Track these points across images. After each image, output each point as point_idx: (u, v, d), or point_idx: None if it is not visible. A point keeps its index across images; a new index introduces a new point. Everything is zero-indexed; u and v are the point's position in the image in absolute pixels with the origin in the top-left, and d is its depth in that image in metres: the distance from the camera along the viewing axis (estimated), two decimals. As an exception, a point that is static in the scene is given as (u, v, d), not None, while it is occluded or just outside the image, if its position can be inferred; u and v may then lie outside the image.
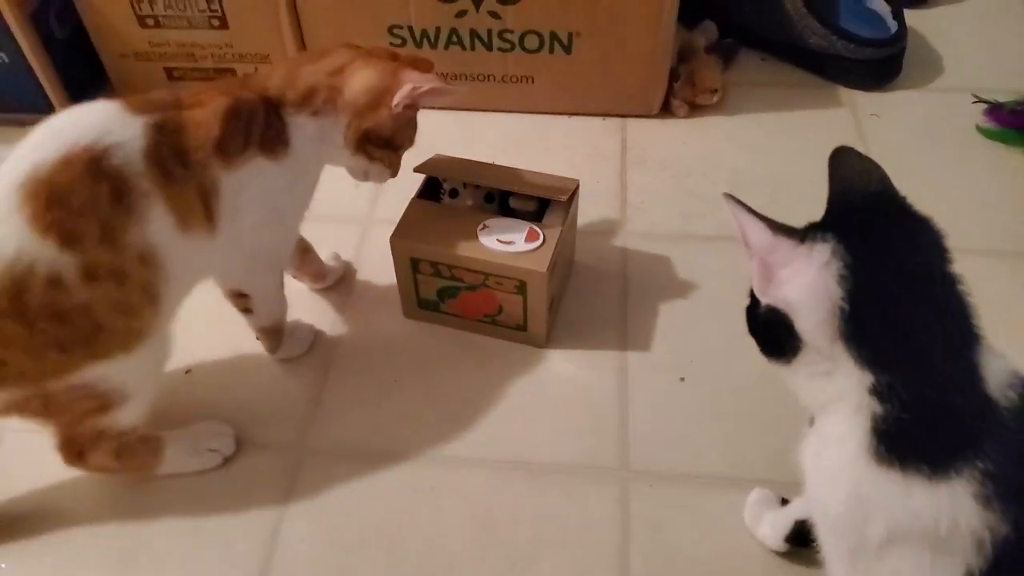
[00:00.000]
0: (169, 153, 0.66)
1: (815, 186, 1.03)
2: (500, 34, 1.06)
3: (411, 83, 0.73)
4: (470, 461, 0.80)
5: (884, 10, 1.17)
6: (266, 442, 0.82)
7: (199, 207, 0.69)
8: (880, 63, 1.15)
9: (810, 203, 1.04)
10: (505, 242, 0.82)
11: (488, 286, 0.84)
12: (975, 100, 1.13)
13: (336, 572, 0.73)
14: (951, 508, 0.45)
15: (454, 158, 0.92)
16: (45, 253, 0.61)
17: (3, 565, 0.73)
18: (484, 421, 0.83)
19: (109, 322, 0.65)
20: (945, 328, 0.47)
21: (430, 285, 0.87)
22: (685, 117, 1.14)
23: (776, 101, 1.16)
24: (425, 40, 1.07)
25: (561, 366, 0.87)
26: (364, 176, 0.81)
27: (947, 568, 0.46)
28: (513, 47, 1.07)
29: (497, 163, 0.94)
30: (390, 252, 0.86)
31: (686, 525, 0.75)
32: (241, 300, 0.82)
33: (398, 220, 0.86)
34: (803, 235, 0.50)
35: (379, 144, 0.77)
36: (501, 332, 0.89)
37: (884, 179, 0.53)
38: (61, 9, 1.11)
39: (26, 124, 1.10)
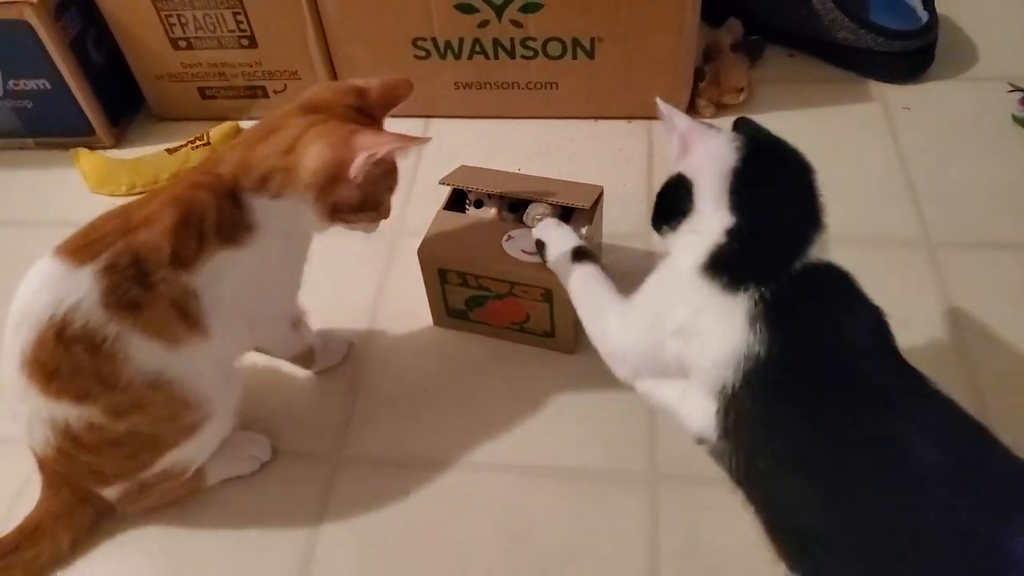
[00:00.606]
0: (128, 287, 0.65)
1: (846, 183, 1.03)
2: (523, 42, 1.06)
3: (365, 151, 0.67)
4: (501, 467, 0.81)
5: (914, 1, 1.14)
6: (301, 451, 0.84)
7: (178, 320, 0.68)
8: (911, 55, 1.13)
9: (842, 200, 1.02)
10: (530, 252, 0.83)
11: (515, 295, 0.85)
12: (1011, 89, 1.10)
13: (371, 579, 0.75)
14: (727, 314, 0.60)
15: (479, 168, 0.93)
16: (69, 411, 0.67)
17: (57, 573, 0.76)
18: (514, 427, 0.84)
19: (159, 430, 0.71)
20: (795, 206, 0.64)
21: (458, 295, 0.88)
22: (712, 117, 1.13)
23: (804, 97, 1.14)
24: (449, 51, 1.09)
25: (589, 373, 0.87)
26: (354, 230, 0.76)
27: (711, 366, 0.60)
28: (536, 54, 1.08)
29: (523, 171, 0.94)
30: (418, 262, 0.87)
31: (717, 529, 0.74)
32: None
33: (425, 231, 0.87)
34: (717, 128, 0.68)
35: (354, 210, 0.72)
36: (530, 339, 0.90)
37: (765, 131, 0.71)
38: (98, 36, 1.15)
39: (68, 147, 1.16)
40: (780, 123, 1.11)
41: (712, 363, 0.60)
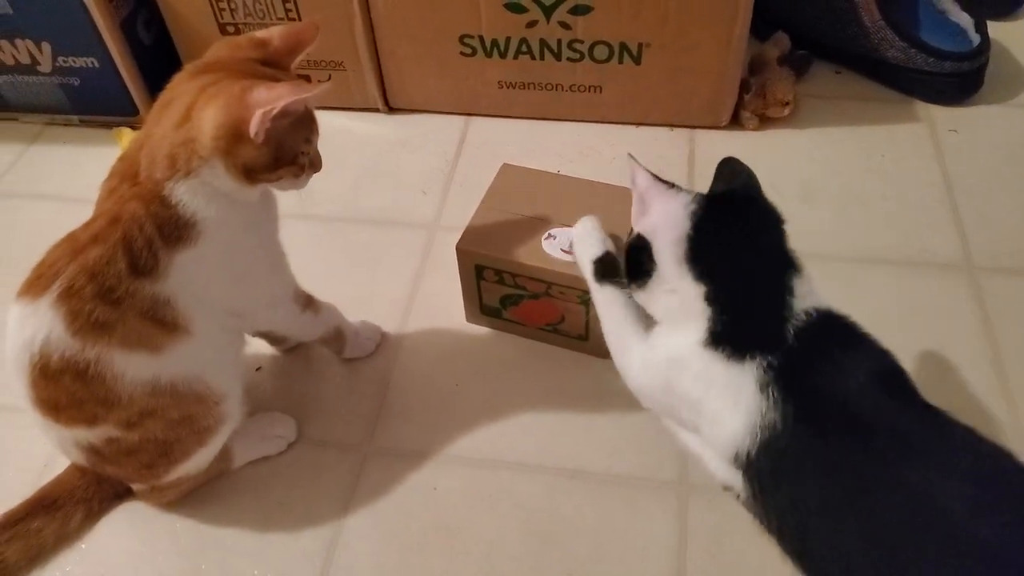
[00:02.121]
0: (91, 308, 0.63)
1: (889, 202, 1.02)
2: (570, 44, 1.06)
3: (260, 108, 0.61)
4: (530, 468, 0.80)
5: (967, 22, 1.13)
6: (331, 440, 0.84)
7: (154, 328, 0.66)
8: (961, 77, 1.12)
9: (884, 219, 1.01)
10: (569, 252, 0.82)
11: (551, 295, 0.85)
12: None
13: (396, 569, 0.74)
14: (737, 383, 0.59)
15: (522, 168, 0.93)
16: (84, 433, 0.68)
17: (83, 546, 0.77)
18: (544, 429, 0.83)
19: (174, 436, 0.71)
20: (762, 260, 0.63)
21: (493, 292, 0.88)
22: (755, 130, 1.12)
23: (850, 115, 1.14)
24: (495, 49, 1.09)
25: (621, 378, 0.86)
26: (285, 189, 0.71)
27: (726, 437, 0.60)
28: (582, 57, 1.07)
29: (562, 172, 0.94)
30: (455, 258, 0.87)
31: (744, 540, 0.74)
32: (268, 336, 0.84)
33: (464, 227, 0.87)
34: (677, 187, 0.67)
35: (269, 168, 0.66)
36: (562, 341, 0.89)
37: (749, 178, 0.68)
38: (148, 17, 1.16)
39: (111, 126, 1.17)
40: (824, 140, 1.13)
41: (728, 435, 0.59)
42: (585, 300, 0.83)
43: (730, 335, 0.61)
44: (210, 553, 0.76)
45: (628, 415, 0.83)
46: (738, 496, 0.62)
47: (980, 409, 0.82)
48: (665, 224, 0.64)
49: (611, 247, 0.77)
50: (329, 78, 1.16)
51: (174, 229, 0.65)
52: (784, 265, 0.63)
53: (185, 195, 0.65)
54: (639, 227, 0.67)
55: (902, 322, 0.90)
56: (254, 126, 0.62)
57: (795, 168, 1.08)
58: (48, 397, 0.66)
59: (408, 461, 0.81)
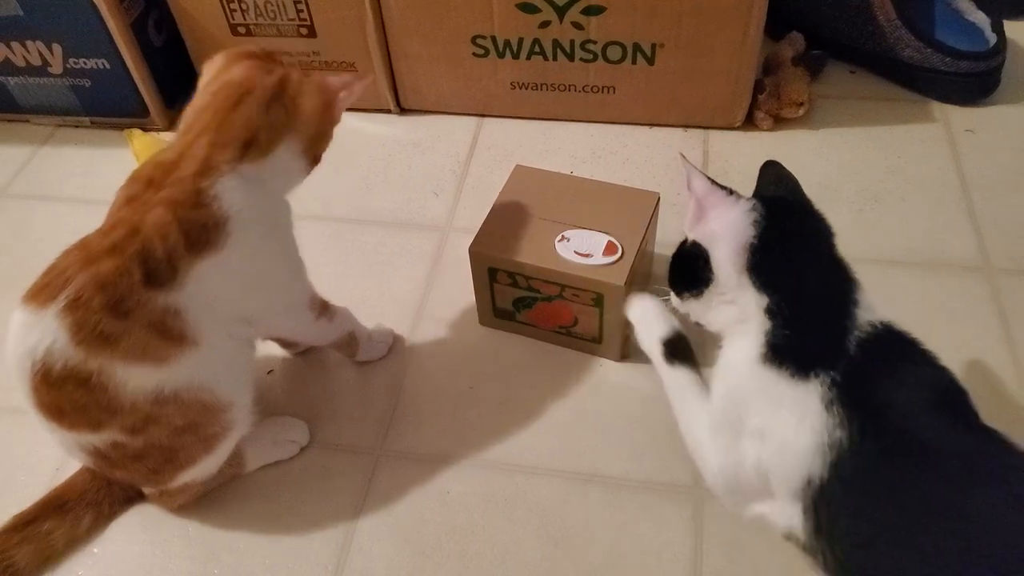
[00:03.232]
0: (98, 320, 0.62)
1: (905, 203, 1.01)
2: (583, 44, 1.06)
3: (343, 92, 0.73)
4: (543, 471, 0.80)
5: (983, 22, 1.12)
6: (343, 443, 0.83)
7: (159, 340, 0.65)
8: (977, 77, 1.11)
9: (899, 220, 1.00)
10: (583, 254, 0.82)
11: (564, 298, 0.84)
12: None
13: (409, 574, 0.74)
14: (803, 402, 0.57)
15: (535, 169, 0.92)
16: (88, 437, 0.68)
17: (95, 550, 0.77)
18: (558, 432, 0.83)
19: (180, 443, 0.70)
20: (824, 272, 0.62)
21: (506, 295, 0.87)
22: (769, 130, 1.11)
23: (865, 115, 1.12)
24: (507, 50, 1.08)
25: (637, 381, 0.86)
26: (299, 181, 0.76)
27: (793, 461, 0.57)
28: (595, 57, 1.07)
29: (575, 174, 0.93)
30: (467, 260, 0.86)
31: (760, 545, 0.73)
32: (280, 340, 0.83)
33: (477, 229, 0.86)
34: (735, 193, 0.65)
35: (324, 150, 0.75)
36: (576, 344, 0.89)
37: (796, 186, 0.68)
38: (159, 17, 1.16)
39: (122, 128, 1.17)
40: (839, 141, 1.12)
41: (795, 457, 0.57)
42: (599, 302, 0.82)
43: (792, 350, 0.58)
44: (222, 557, 0.76)
45: (643, 419, 0.83)
46: (799, 540, 0.59)
47: (999, 411, 0.81)
48: (726, 232, 0.62)
49: (677, 324, 0.71)
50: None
51: (202, 232, 0.65)
52: (845, 277, 0.61)
53: (225, 190, 0.66)
54: (695, 234, 0.65)
55: (919, 324, 0.87)
56: (339, 107, 0.72)
57: (810, 169, 1.07)
58: (50, 402, 0.65)
59: (421, 465, 0.81)
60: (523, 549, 0.75)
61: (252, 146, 0.68)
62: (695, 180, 0.66)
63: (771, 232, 0.62)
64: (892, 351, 0.59)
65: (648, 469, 0.79)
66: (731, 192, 0.65)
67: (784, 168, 0.68)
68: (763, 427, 0.59)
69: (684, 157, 0.67)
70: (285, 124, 0.69)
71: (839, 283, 0.61)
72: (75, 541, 0.76)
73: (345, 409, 0.86)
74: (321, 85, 0.72)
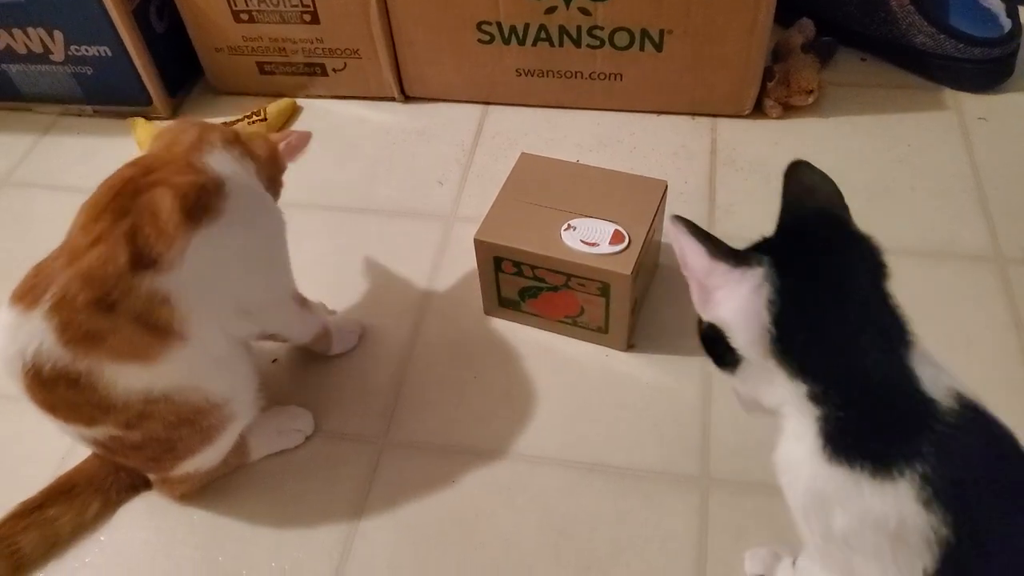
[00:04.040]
0: (83, 318, 0.61)
1: (916, 192, 1.00)
2: (590, 31, 1.04)
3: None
4: (548, 461, 0.79)
5: (997, 7, 1.10)
6: (347, 433, 0.83)
7: (147, 336, 0.64)
8: (991, 63, 1.09)
9: (910, 210, 1.00)
10: (589, 243, 0.81)
11: (570, 287, 0.83)
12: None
13: (413, 563, 0.74)
14: (897, 506, 0.48)
15: (541, 157, 0.91)
16: (87, 431, 0.68)
17: (102, 537, 0.77)
18: (563, 422, 0.82)
19: (177, 435, 0.70)
20: (870, 340, 0.50)
21: (512, 284, 0.87)
22: (778, 118, 1.10)
23: (876, 103, 1.11)
24: (513, 36, 1.07)
25: (643, 370, 0.85)
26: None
27: (907, 561, 0.48)
28: (603, 44, 1.05)
29: (582, 162, 0.92)
30: (472, 249, 0.85)
31: (766, 535, 0.72)
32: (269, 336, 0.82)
33: (482, 218, 0.85)
34: (741, 258, 0.53)
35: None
36: (582, 334, 0.88)
37: (831, 195, 0.56)
38: (161, 5, 1.15)
39: (125, 116, 1.17)
40: (849, 129, 1.10)
41: (895, 564, 0.49)
42: (605, 291, 0.82)
43: (860, 442, 0.49)
44: (227, 545, 0.75)
45: (649, 409, 0.82)
46: None
47: (1009, 402, 0.79)
48: (737, 319, 0.52)
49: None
50: (344, 66, 1.15)
51: (200, 195, 0.66)
52: (896, 334, 0.51)
53: (218, 161, 0.70)
54: (707, 317, 0.55)
55: (929, 314, 0.85)
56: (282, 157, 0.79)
57: (819, 158, 1.02)
58: (44, 400, 0.65)
59: (425, 454, 0.80)
60: (527, 538, 0.74)
61: (234, 143, 0.72)
62: (690, 256, 0.54)
63: (792, 306, 0.51)
64: (982, 431, 0.50)
65: (653, 459, 0.79)
66: (737, 258, 0.53)
67: (814, 171, 0.57)
68: (851, 532, 0.50)
69: (678, 220, 0.54)
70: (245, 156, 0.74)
71: (888, 345, 0.50)
72: (81, 527, 0.76)
73: (349, 398, 0.85)
74: (265, 136, 0.78)
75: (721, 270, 0.53)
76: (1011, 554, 0.47)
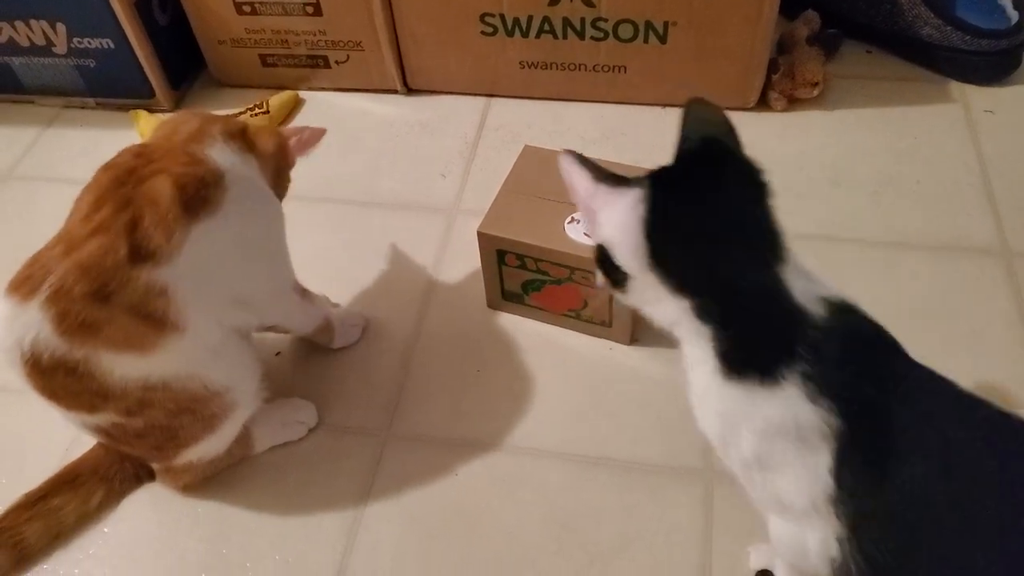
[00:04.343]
0: (79, 308, 0.61)
1: (922, 186, 1.00)
2: (593, 23, 1.04)
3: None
4: (551, 454, 0.79)
5: (1004, -1, 1.10)
6: (351, 425, 0.83)
7: (142, 326, 0.64)
8: (998, 55, 1.08)
9: (916, 203, 0.99)
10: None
11: (574, 280, 0.83)
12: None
13: (417, 555, 0.74)
14: (789, 408, 0.51)
15: (544, 149, 0.91)
16: (87, 417, 0.68)
17: (107, 530, 0.77)
18: (566, 415, 0.82)
19: (178, 424, 0.70)
20: (742, 253, 0.54)
21: (515, 277, 0.86)
22: (783, 111, 1.09)
23: (881, 95, 1.10)
24: (516, 28, 1.06)
25: (646, 364, 0.85)
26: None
27: (812, 462, 0.51)
28: (606, 36, 1.05)
29: (586, 154, 0.92)
30: (475, 242, 0.85)
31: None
32: (269, 327, 0.82)
33: (485, 210, 0.85)
34: (622, 181, 0.57)
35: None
36: (585, 327, 0.88)
37: (719, 124, 0.59)
38: (164, -4, 1.14)
39: (128, 109, 1.16)
40: (854, 122, 1.10)
41: (803, 467, 0.52)
42: (609, 285, 0.81)
43: (744, 355, 0.53)
44: (232, 537, 0.76)
45: (653, 403, 0.82)
46: (833, 562, 0.54)
47: (1016, 395, 0.79)
48: (615, 235, 0.56)
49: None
50: (347, 58, 1.14)
51: (200, 188, 0.65)
52: (772, 248, 0.54)
53: (218, 153, 0.69)
54: (594, 239, 0.59)
55: (935, 308, 0.87)
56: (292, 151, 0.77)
57: (824, 151, 1.05)
58: (44, 388, 0.65)
59: (429, 447, 0.80)
60: (530, 531, 0.74)
61: (234, 137, 0.72)
62: (576, 180, 0.58)
63: (665, 221, 0.54)
64: (844, 325, 0.53)
65: (657, 453, 0.78)
66: (620, 180, 0.57)
67: (709, 107, 0.60)
68: (760, 451, 0.53)
69: (567, 153, 0.59)
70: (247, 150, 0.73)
71: (760, 259, 0.53)
72: (85, 517, 0.76)
73: (353, 391, 0.85)
74: (275, 131, 0.77)
75: (603, 191, 0.57)
76: (896, 434, 0.50)
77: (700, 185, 0.55)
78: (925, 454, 0.50)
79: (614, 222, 0.56)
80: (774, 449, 0.53)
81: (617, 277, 0.58)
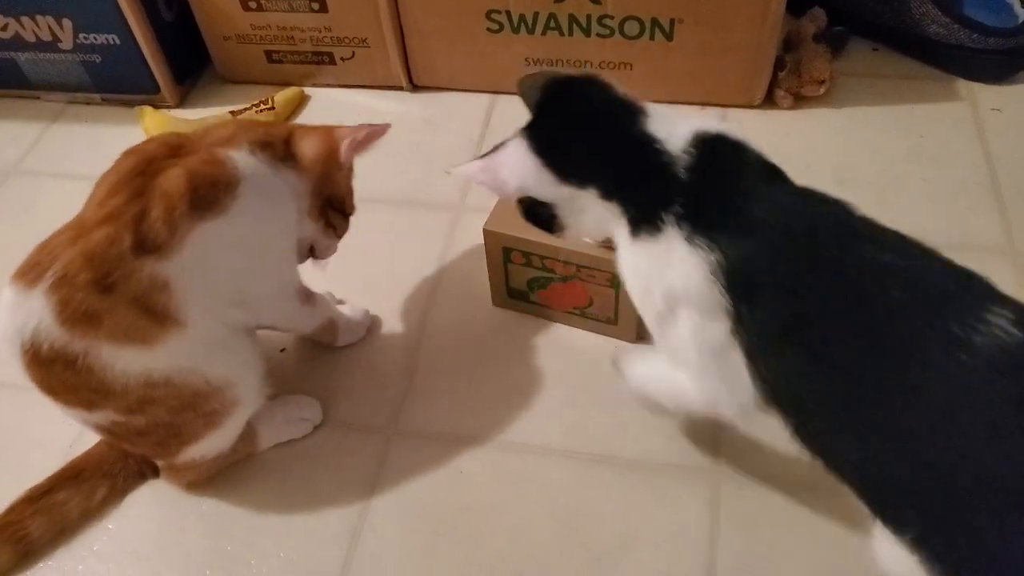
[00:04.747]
0: (81, 297, 0.61)
1: (928, 184, 0.99)
2: (599, 19, 1.03)
3: (346, 139, 0.76)
4: (557, 452, 0.79)
5: (1012, -3, 1.10)
6: (356, 423, 0.83)
7: (144, 319, 0.63)
8: (1005, 54, 1.08)
9: (923, 202, 0.98)
10: (600, 233, 0.80)
11: (580, 278, 0.83)
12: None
13: (422, 553, 0.74)
14: (675, 252, 0.59)
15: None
16: (88, 415, 0.68)
17: (111, 527, 0.77)
18: (572, 413, 0.82)
19: (180, 420, 0.70)
20: (605, 127, 0.63)
21: (521, 275, 0.86)
22: (789, 109, 1.09)
23: (888, 94, 1.10)
24: (523, 25, 1.06)
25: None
26: (322, 251, 0.81)
27: (710, 301, 0.58)
28: (612, 33, 1.05)
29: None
30: (481, 240, 0.85)
31: (777, 529, 0.72)
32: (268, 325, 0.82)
33: (491, 208, 0.85)
34: (502, 143, 0.68)
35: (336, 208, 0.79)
36: (591, 325, 0.87)
37: (540, 78, 0.69)
38: (169, -8, 1.14)
39: (133, 104, 1.16)
40: (861, 120, 1.09)
41: (700, 292, 0.58)
42: (615, 283, 0.81)
43: (640, 214, 0.61)
44: (236, 534, 0.75)
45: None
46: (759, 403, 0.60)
47: None
48: (519, 173, 0.66)
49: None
50: (353, 55, 1.14)
51: (211, 190, 0.65)
52: (632, 114, 0.63)
53: (241, 158, 0.68)
54: (511, 191, 0.68)
55: None
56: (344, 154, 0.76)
57: (830, 149, 1.05)
58: (42, 381, 0.65)
59: (433, 444, 0.80)
60: (535, 529, 0.74)
61: (268, 146, 0.71)
62: (473, 171, 0.69)
63: (544, 135, 0.65)
64: (715, 156, 0.61)
65: (663, 451, 0.78)
66: (501, 143, 0.68)
67: (531, 76, 0.70)
68: (670, 290, 0.61)
69: (453, 169, 0.71)
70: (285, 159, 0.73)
71: (631, 126, 0.62)
72: (89, 512, 0.76)
73: (358, 388, 0.85)
74: (325, 134, 0.75)
75: (493, 157, 0.68)
76: (767, 259, 0.57)
77: (553, 110, 0.67)
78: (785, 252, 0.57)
79: (512, 165, 0.66)
80: (676, 297, 0.60)
81: (546, 214, 0.67)
